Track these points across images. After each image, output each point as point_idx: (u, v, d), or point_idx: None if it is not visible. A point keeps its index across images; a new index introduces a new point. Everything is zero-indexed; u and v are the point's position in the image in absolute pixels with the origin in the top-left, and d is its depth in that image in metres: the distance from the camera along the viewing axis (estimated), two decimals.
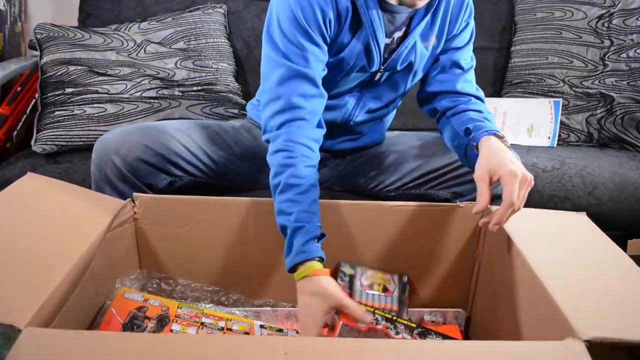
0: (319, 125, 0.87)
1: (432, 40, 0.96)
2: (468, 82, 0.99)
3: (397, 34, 0.93)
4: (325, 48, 0.88)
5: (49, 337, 0.49)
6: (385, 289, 0.83)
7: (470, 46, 1.00)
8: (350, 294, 0.81)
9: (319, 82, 0.87)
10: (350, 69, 0.93)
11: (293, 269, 0.74)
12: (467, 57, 1.00)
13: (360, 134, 1.07)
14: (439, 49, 0.98)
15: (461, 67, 0.98)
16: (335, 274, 0.85)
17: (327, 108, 0.94)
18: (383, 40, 0.91)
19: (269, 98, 0.86)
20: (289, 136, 0.82)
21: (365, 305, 0.80)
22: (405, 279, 0.85)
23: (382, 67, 0.95)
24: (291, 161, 0.81)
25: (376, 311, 0.73)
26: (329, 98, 0.94)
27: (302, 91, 0.85)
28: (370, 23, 0.88)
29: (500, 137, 0.83)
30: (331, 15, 0.86)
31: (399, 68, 0.95)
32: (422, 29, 0.93)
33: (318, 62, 0.87)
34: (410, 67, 0.97)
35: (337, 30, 0.89)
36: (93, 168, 0.94)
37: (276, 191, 0.80)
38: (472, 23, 0.99)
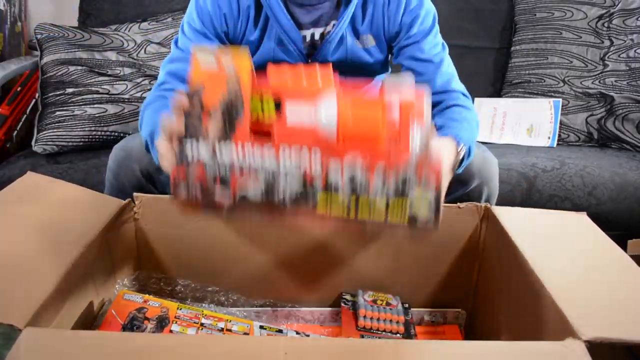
0: None
1: (368, 38, 0.94)
2: (445, 76, 0.94)
3: (325, 29, 0.93)
4: (217, 42, 0.93)
5: (49, 337, 0.49)
6: (388, 304, 0.83)
7: (432, 37, 0.95)
8: (355, 313, 0.81)
9: None
10: None
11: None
12: (433, 49, 0.94)
13: None
14: (384, 50, 0.97)
15: (430, 60, 0.93)
16: (337, 303, 0.86)
17: None
18: (296, 32, 0.92)
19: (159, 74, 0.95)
20: (160, 98, 0.89)
21: (372, 317, 0.80)
22: (406, 305, 0.85)
23: (310, 61, 0.95)
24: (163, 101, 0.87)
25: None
26: None
27: (177, 73, 0.92)
28: (275, 17, 0.90)
29: (455, 139, 0.81)
30: (227, 10, 0.91)
31: (330, 61, 0.95)
32: (348, 23, 0.92)
33: None
34: (344, 62, 0.95)
35: (240, 27, 0.93)
36: (110, 175, 0.93)
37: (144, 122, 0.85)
38: (427, 11, 0.94)
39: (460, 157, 0.82)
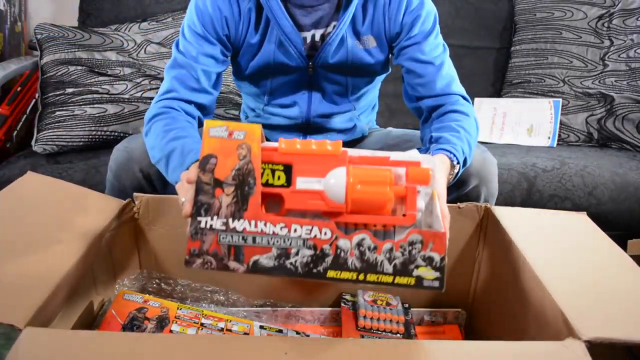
0: (195, 116, 0.92)
1: (369, 39, 0.94)
2: (446, 79, 0.94)
3: (325, 30, 0.93)
4: (219, 46, 0.92)
5: (49, 337, 0.49)
6: (388, 304, 0.83)
7: (433, 38, 0.94)
8: (355, 313, 0.81)
9: (204, 75, 0.91)
10: (276, 70, 0.96)
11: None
12: (434, 51, 0.94)
13: (333, 130, 1.06)
14: (385, 50, 0.96)
15: (431, 62, 0.93)
16: (337, 303, 0.86)
17: (284, 107, 1.01)
18: (296, 34, 0.91)
19: (163, 80, 0.94)
20: (166, 110, 0.88)
21: (372, 317, 0.80)
22: (406, 305, 0.85)
23: (311, 64, 0.95)
24: (170, 123, 0.85)
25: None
26: (281, 97, 1.00)
27: (183, 80, 0.90)
28: (275, 19, 0.90)
29: (449, 158, 0.81)
30: (227, 13, 0.90)
31: (331, 62, 0.95)
32: (348, 24, 0.92)
33: (206, 57, 0.91)
34: (344, 64, 0.95)
35: (242, 30, 0.92)
36: (110, 176, 0.93)
37: (153, 139, 0.84)
38: (428, 12, 0.93)
39: (455, 171, 0.83)
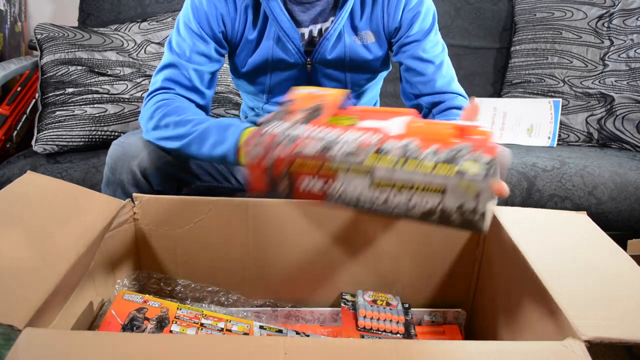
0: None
1: (367, 34, 0.94)
2: (446, 78, 0.94)
3: (323, 25, 0.93)
4: (213, 44, 0.92)
5: (49, 337, 0.49)
6: (388, 304, 0.83)
7: (433, 36, 0.95)
8: (355, 313, 0.82)
9: (196, 75, 0.91)
10: (275, 66, 0.96)
11: (239, 140, 0.77)
12: (434, 49, 0.94)
13: None
14: (384, 46, 0.96)
15: (431, 61, 0.94)
16: (337, 303, 0.86)
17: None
18: (294, 31, 0.92)
19: (151, 82, 0.93)
20: (168, 102, 0.88)
21: (372, 317, 0.80)
22: (406, 305, 0.86)
23: (309, 60, 0.95)
24: (170, 109, 0.86)
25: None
26: (280, 95, 0.99)
27: (174, 79, 0.90)
28: (273, 15, 0.90)
29: None
30: (223, 10, 0.90)
31: (329, 58, 0.95)
32: (346, 19, 0.92)
33: (199, 55, 0.91)
34: (342, 60, 0.95)
35: (238, 26, 0.92)
36: (107, 171, 0.93)
37: (166, 134, 0.85)
38: (427, 9, 0.93)
39: None
